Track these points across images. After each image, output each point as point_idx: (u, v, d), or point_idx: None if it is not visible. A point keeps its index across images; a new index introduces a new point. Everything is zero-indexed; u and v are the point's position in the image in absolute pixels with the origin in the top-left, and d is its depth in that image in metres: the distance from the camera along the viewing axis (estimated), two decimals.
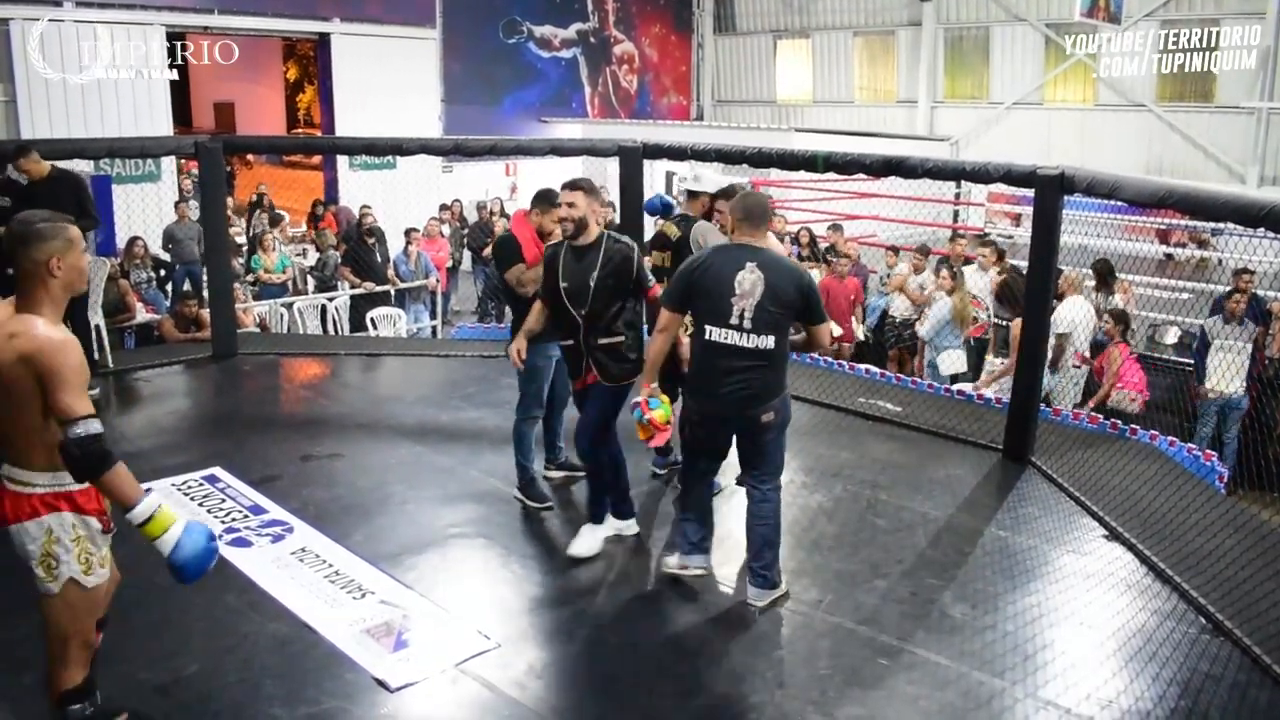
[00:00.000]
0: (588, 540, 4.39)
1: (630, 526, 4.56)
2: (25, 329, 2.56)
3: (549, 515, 4.81)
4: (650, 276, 4.33)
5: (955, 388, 7.26)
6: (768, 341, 3.76)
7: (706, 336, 3.82)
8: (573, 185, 4.18)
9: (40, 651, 3.24)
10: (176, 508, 4.67)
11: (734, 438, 4.00)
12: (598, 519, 4.46)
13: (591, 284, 4.13)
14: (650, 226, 9.47)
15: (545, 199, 4.81)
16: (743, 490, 4.28)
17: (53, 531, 2.63)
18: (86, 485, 2.65)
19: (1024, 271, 6.15)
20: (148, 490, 2.65)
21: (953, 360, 7.81)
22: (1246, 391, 7.14)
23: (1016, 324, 6.48)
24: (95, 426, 2.52)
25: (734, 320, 3.76)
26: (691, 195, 5.15)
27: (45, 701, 3.19)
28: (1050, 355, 6.58)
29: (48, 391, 2.52)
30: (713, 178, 5.15)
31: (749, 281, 3.75)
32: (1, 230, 5.75)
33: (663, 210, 5.51)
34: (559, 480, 5.15)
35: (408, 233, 10.88)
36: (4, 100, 12.23)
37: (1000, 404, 6.46)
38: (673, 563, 4.10)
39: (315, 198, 14.53)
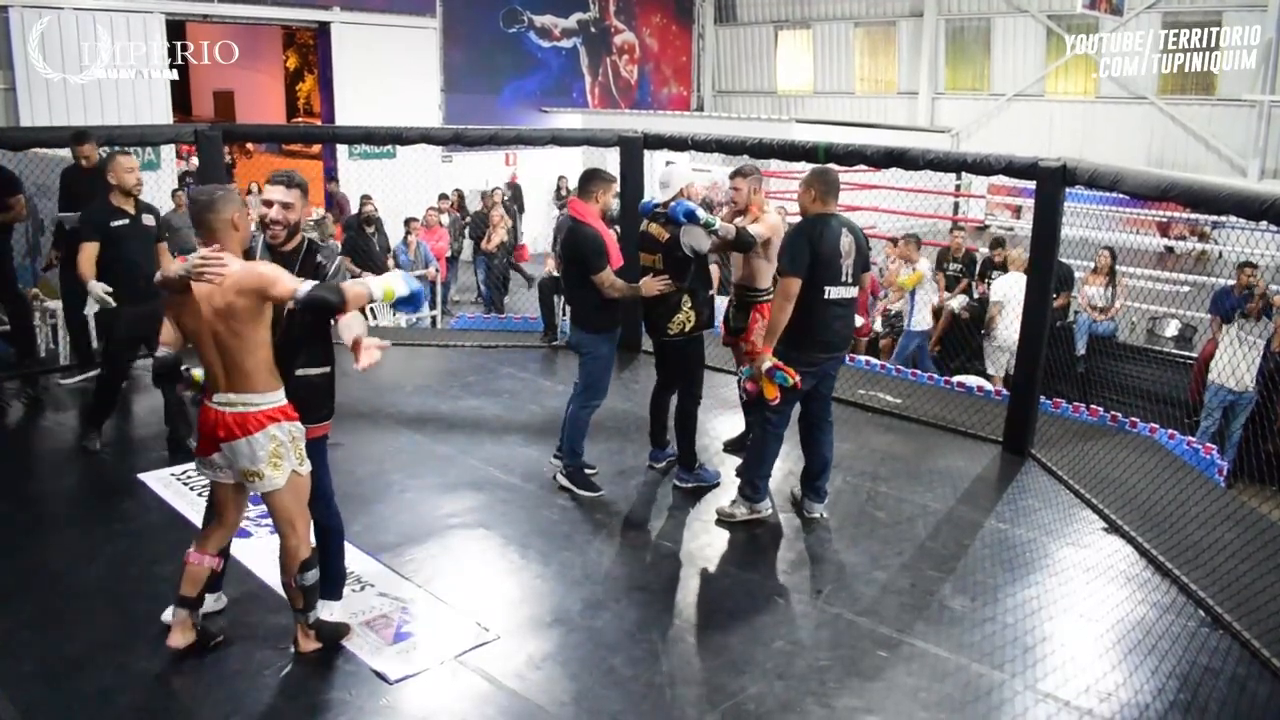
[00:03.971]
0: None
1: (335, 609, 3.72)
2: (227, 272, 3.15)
3: (550, 505, 4.81)
4: (330, 296, 3.17)
5: (955, 380, 7.25)
6: (857, 289, 4.55)
7: (826, 296, 4.39)
8: (289, 181, 3.35)
9: (39, 639, 3.27)
10: (176, 499, 4.75)
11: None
12: (336, 594, 3.74)
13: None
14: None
15: (600, 177, 4.82)
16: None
17: (277, 437, 3.21)
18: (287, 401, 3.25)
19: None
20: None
21: None
22: (1257, 388, 7.16)
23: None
24: (308, 286, 3.11)
25: (844, 278, 4.41)
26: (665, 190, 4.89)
27: (45, 688, 3.20)
28: (986, 323, 7.93)
29: (268, 293, 3.10)
30: (683, 173, 4.93)
31: (847, 243, 4.41)
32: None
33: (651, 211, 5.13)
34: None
35: (407, 222, 10.88)
36: (3, 88, 12.17)
37: (1000, 396, 6.46)
38: (743, 511, 4.64)
39: (324, 185, 14.50)
